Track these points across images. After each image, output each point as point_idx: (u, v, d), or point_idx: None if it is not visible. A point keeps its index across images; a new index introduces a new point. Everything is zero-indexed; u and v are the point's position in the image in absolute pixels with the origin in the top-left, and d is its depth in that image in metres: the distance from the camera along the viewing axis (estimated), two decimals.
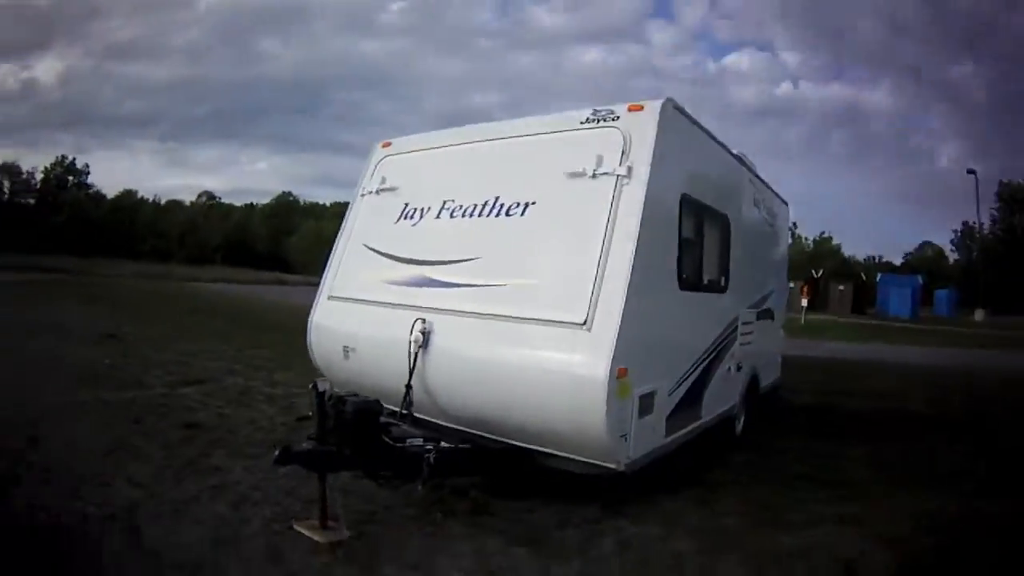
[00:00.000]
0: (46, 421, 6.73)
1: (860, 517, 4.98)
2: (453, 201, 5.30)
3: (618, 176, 4.54)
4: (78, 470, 5.44)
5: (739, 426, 7.12)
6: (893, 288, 40.44)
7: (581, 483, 4.81)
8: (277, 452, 4.17)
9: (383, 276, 5.45)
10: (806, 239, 65.84)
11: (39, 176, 63.87)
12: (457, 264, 5.00)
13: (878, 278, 45.10)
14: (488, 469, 5.08)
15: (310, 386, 4.53)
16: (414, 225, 5.49)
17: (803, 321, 25.70)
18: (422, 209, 5.50)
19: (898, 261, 72.12)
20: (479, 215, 5.05)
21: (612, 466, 4.40)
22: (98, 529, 4.39)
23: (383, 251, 5.59)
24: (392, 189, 5.85)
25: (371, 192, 6.00)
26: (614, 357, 4.17)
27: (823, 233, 73.96)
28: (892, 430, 8.19)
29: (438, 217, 5.35)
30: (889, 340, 22.11)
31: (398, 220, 5.62)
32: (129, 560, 4.03)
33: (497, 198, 5.01)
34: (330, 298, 5.81)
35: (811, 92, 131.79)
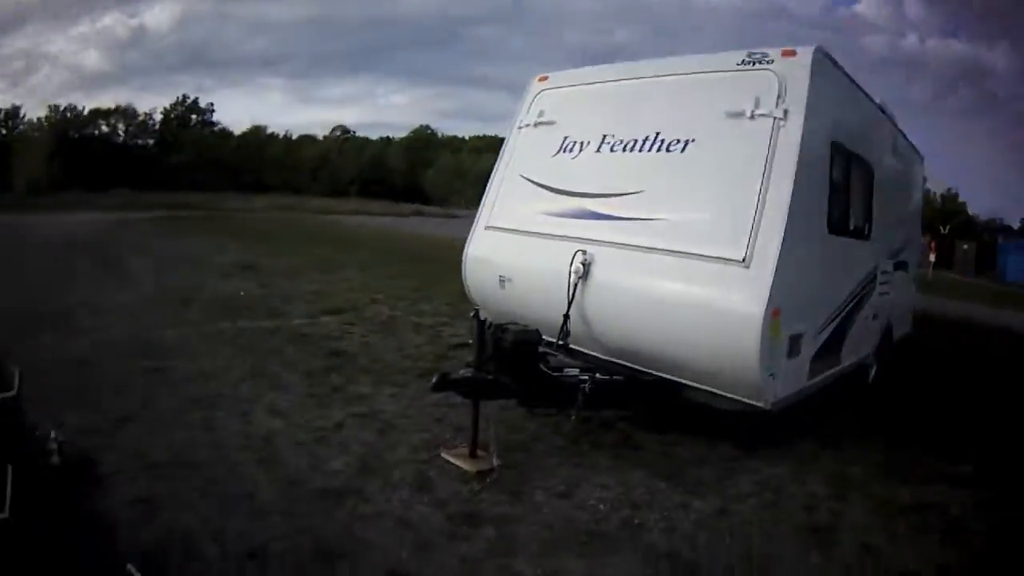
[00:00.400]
0: (182, 350, 7.12)
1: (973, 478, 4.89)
2: (613, 136, 5.36)
3: (775, 118, 4.52)
4: (216, 399, 5.72)
5: (871, 375, 7.01)
6: (1013, 253, 38.03)
7: (720, 421, 4.89)
8: (435, 378, 4.33)
9: (542, 208, 5.57)
10: (934, 194, 62.19)
11: (158, 117, 65.47)
12: (618, 197, 5.08)
13: (999, 240, 42.47)
14: (638, 401, 5.18)
15: (471, 314, 4.67)
16: (574, 158, 5.58)
17: (930, 276, 24.44)
18: (581, 142, 5.57)
19: (1016, 224, 67.29)
20: (640, 150, 5.10)
21: (759, 404, 4.43)
22: (235, 459, 4.57)
23: (542, 183, 5.69)
24: (550, 123, 5.92)
25: (528, 125, 6.10)
26: (770, 296, 4.19)
27: (950, 189, 69.76)
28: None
29: (598, 151, 5.42)
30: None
31: (557, 153, 5.70)
32: (269, 489, 4.15)
33: (657, 134, 5.05)
34: (487, 228, 5.94)
35: (936, 47, 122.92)
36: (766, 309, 4.18)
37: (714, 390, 4.60)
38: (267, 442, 4.89)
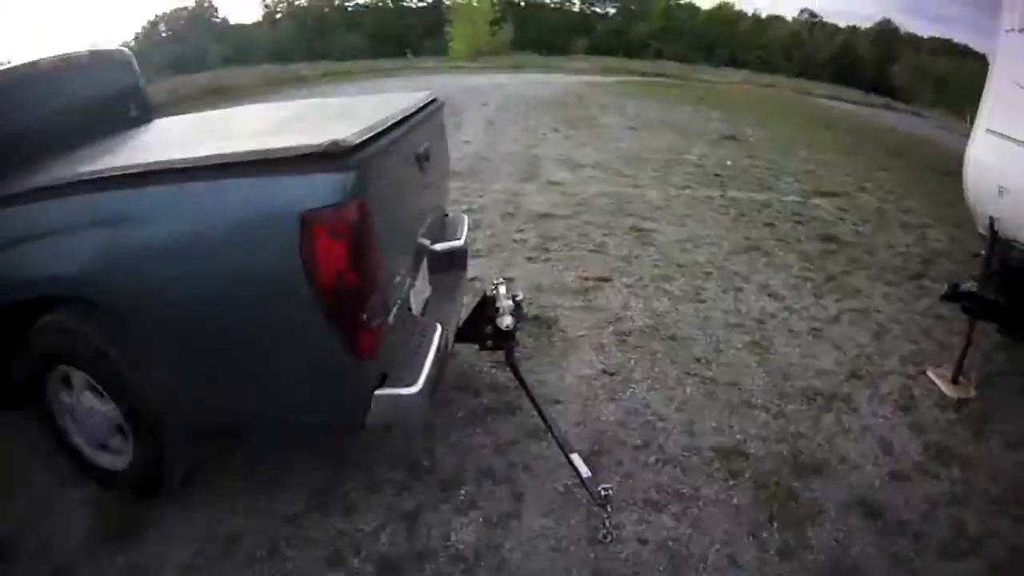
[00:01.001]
0: (668, 213, 7.19)
1: None
2: None
3: None
4: (706, 269, 5.67)
5: None
6: None
7: None
8: (946, 287, 4.11)
9: None
10: None
11: None
12: None
13: None
14: None
15: (985, 223, 4.09)
16: None
17: None
18: None
19: None
20: None
21: None
22: (723, 338, 4.51)
23: None
24: None
25: (1014, 30, 4.67)
26: None
27: None
28: None
29: None
30: None
31: None
32: (756, 380, 4.05)
33: None
34: (987, 132, 4.87)
35: None
36: None
37: None
38: (759, 325, 4.71)
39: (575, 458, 2.88)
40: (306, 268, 2.11)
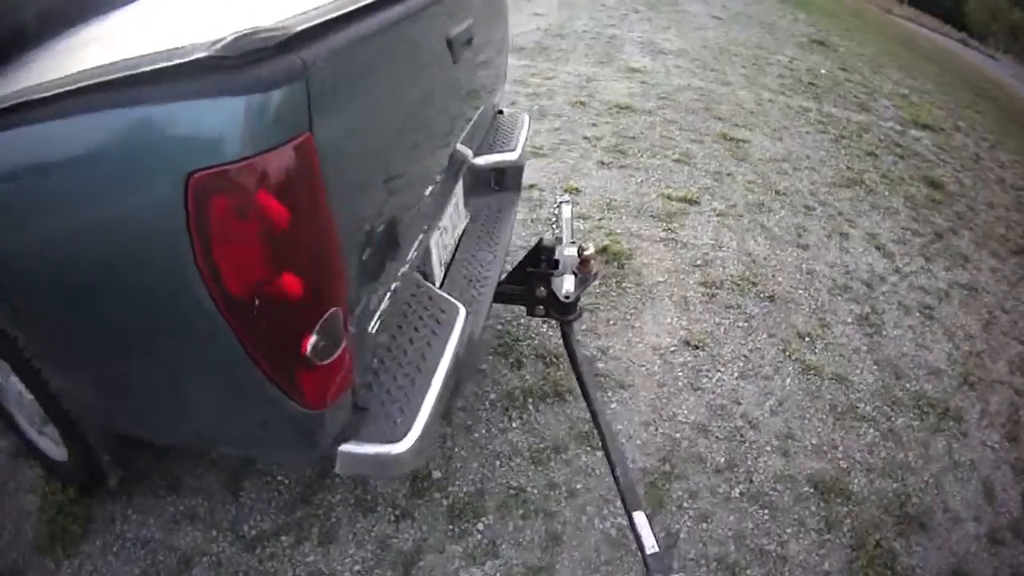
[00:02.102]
0: (762, 121, 6.25)
1: None
2: None
3: None
4: (810, 201, 4.87)
5: None
6: None
7: None
8: None
9: None
10: None
11: None
12: None
13: None
14: None
15: None
16: None
17: None
18: None
19: None
20: None
21: None
22: (822, 302, 3.83)
23: None
24: None
25: None
26: None
27: None
28: None
29: None
30: None
31: None
32: (864, 373, 3.38)
33: None
34: None
35: None
36: None
37: None
38: (868, 291, 4.01)
39: (639, 519, 1.98)
40: (202, 270, 1.18)
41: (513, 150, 2.71)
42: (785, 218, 4.54)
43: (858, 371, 3.34)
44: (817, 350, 3.42)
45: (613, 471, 2.09)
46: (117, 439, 1.95)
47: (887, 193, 5.34)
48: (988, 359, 3.70)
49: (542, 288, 2.49)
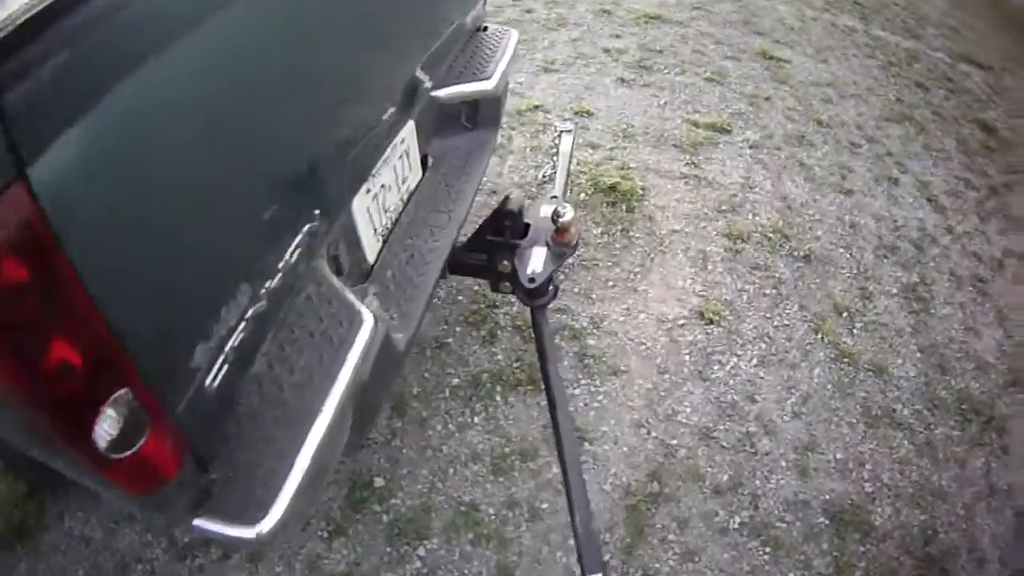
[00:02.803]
0: (803, 39, 5.50)
1: None
2: None
3: None
4: (853, 136, 4.25)
5: None
6: None
7: None
8: None
9: None
10: None
11: None
12: None
13: None
14: None
15: None
16: None
17: None
18: None
19: None
20: None
21: None
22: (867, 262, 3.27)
23: None
24: None
25: None
26: None
27: None
28: None
29: None
30: None
31: None
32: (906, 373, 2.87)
33: None
34: None
35: None
36: None
37: None
38: (918, 254, 3.43)
39: None
40: None
41: (488, 78, 2.11)
42: (828, 155, 3.92)
43: (900, 360, 2.84)
44: (856, 330, 2.90)
45: (572, 518, 1.59)
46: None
47: (939, 134, 4.69)
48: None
49: (506, 262, 1.93)
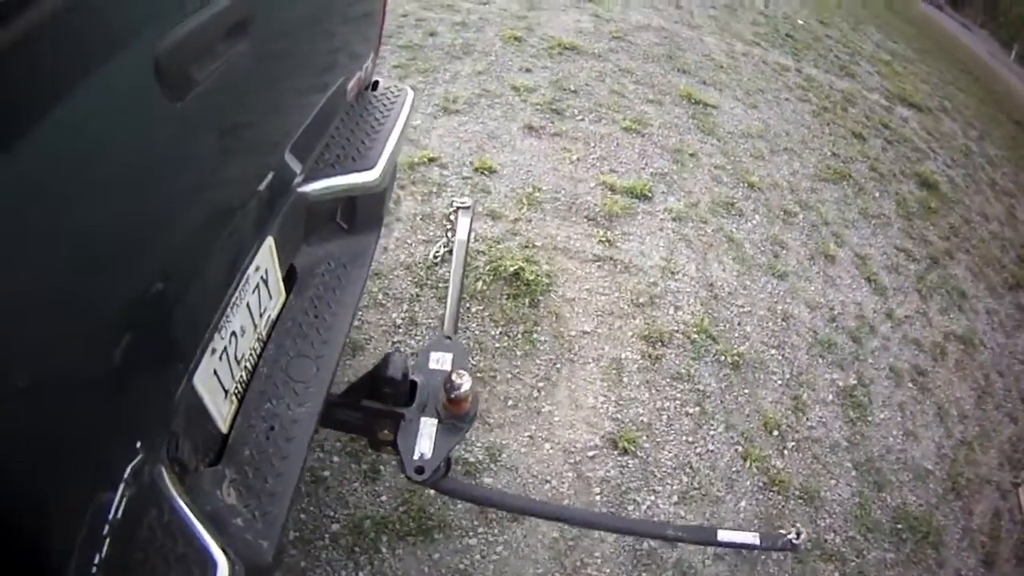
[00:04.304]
0: (732, 78, 5.12)
1: None
2: None
3: None
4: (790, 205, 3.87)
5: None
6: None
7: None
8: None
9: None
10: None
11: None
12: None
13: None
14: None
15: None
16: None
17: None
18: None
19: None
20: None
21: None
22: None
23: None
24: None
25: None
26: None
27: None
28: None
29: None
30: None
31: None
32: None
33: None
34: None
35: None
36: None
37: None
38: (856, 350, 3.14)
39: None
40: None
41: (370, 167, 1.57)
42: (759, 227, 3.51)
43: (833, 482, 2.49)
44: (787, 450, 2.50)
45: None
46: None
47: (877, 195, 4.39)
48: (979, 449, 2.98)
49: (387, 432, 1.45)
